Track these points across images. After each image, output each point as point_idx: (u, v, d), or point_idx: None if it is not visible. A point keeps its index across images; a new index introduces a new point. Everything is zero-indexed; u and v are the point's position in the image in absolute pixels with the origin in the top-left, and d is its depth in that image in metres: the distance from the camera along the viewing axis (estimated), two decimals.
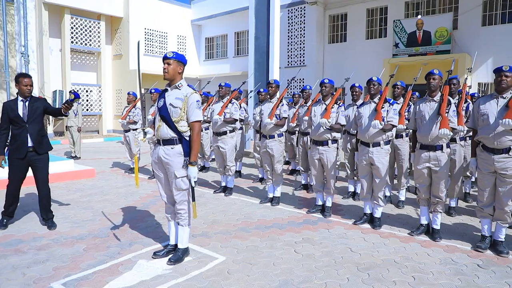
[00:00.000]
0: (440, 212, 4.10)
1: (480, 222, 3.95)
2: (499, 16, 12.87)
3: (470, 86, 10.11)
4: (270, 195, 5.53)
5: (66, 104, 4.06)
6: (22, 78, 4.17)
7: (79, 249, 3.68)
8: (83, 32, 16.89)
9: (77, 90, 16.37)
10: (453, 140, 4.69)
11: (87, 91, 17.41)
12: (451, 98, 4.05)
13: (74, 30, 16.58)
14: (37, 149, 4.21)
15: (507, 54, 11.94)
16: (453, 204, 5.05)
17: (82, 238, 3.97)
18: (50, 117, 12.03)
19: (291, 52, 16.87)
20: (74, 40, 16.59)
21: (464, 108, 4.85)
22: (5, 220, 4.30)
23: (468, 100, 5.20)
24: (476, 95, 6.94)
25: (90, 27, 17.09)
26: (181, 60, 3.32)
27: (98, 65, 17.79)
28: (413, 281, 3.08)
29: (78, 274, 3.13)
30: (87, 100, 17.32)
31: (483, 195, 3.78)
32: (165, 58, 3.28)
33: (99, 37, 17.37)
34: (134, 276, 3.11)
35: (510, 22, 12.58)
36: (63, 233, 4.14)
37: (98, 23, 17.29)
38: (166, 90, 3.37)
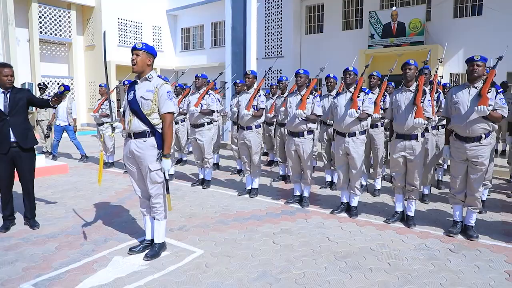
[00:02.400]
0: (414, 200, 4.20)
1: (452, 208, 4.07)
2: (469, 8, 13.20)
3: (442, 76, 10.36)
4: (248, 187, 5.51)
5: (55, 97, 3.87)
6: (1, 68, 3.89)
7: (51, 247, 3.56)
8: (53, 21, 16.24)
9: (48, 83, 15.80)
10: (425, 129, 4.79)
11: (58, 84, 16.82)
12: (426, 88, 4.12)
13: (43, 20, 15.91)
14: (21, 143, 3.96)
15: (477, 45, 12.28)
16: (426, 191, 5.18)
17: (54, 236, 3.84)
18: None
19: (268, 43, 16.81)
20: (43, 30, 15.93)
21: (435, 98, 4.95)
22: (8, 223, 4.07)
23: (439, 90, 5.31)
24: (447, 85, 7.09)
25: (59, 16, 16.44)
26: (151, 52, 3.22)
27: (70, 56, 17.18)
28: (389, 268, 3.15)
29: (49, 273, 3.03)
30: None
31: (456, 182, 3.89)
32: (134, 48, 3.17)
33: (69, 27, 16.75)
34: (109, 273, 3.04)
35: (480, 14, 12.93)
36: (34, 231, 3.99)
37: (69, 13, 16.65)
38: (135, 82, 3.27)
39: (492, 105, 3.59)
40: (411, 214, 4.20)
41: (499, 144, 8.57)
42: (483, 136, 3.68)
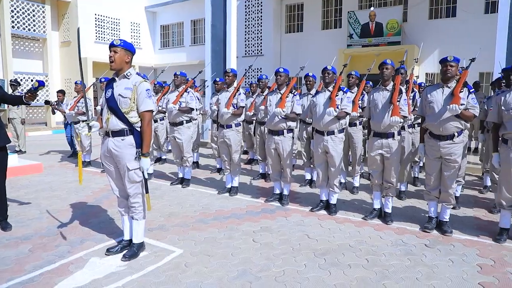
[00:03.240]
0: (392, 196, 4.29)
1: (427, 204, 4.17)
2: (444, 10, 13.58)
3: (418, 76, 10.61)
4: (228, 185, 5.49)
5: (29, 93, 3.72)
6: None
7: (24, 250, 3.44)
8: (26, 16, 15.72)
9: (21, 79, 15.31)
10: (401, 127, 4.89)
11: (32, 80, 16.30)
12: (402, 88, 4.21)
13: (15, 14, 15.38)
14: None
15: (452, 46, 12.65)
16: (403, 188, 5.30)
17: (28, 238, 3.72)
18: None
19: (248, 41, 16.80)
20: (16, 25, 15.40)
21: (411, 97, 5.06)
22: None
23: (415, 89, 5.43)
24: (423, 84, 7.27)
25: (33, 11, 15.93)
26: (129, 48, 3.16)
27: (44, 52, 16.67)
28: (367, 264, 3.20)
29: (22, 276, 2.93)
30: None
31: (430, 179, 3.99)
32: (111, 45, 3.10)
33: (44, 22, 16.25)
34: (86, 275, 2.97)
35: (454, 16, 13.31)
36: (6, 233, 3.85)
37: (43, 7, 16.16)
38: (113, 79, 3.20)
39: (464, 104, 3.70)
40: (389, 211, 4.29)
41: (472, 142, 8.85)
42: (456, 134, 3.80)
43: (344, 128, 4.55)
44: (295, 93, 4.76)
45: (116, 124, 3.12)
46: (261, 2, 16.30)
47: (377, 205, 4.39)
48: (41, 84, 3.76)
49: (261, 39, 16.49)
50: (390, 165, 4.17)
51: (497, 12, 7.63)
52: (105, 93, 3.19)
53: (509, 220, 3.76)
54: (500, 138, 3.78)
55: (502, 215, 3.80)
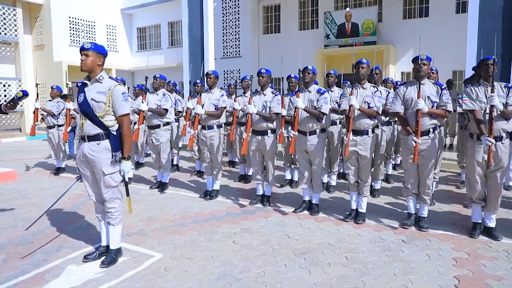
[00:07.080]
0: (366, 196, 4.30)
1: (406, 200, 4.22)
2: (417, 10, 13.91)
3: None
4: (209, 188, 5.44)
5: (11, 103, 3.62)
6: None
7: None
8: None
9: None
10: (376, 125, 4.94)
11: (4, 86, 15.80)
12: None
13: None
14: None
15: (425, 45, 12.90)
16: (377, 186, 5.32)
17: (1, 248, 3.60)
18: None
19: (226, 42, 16.76)
20: None
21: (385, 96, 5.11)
22: None
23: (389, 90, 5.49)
24: (398, 83, 7.41)
25: (3, 14, 15.44)
26: (101, 51, 3.12)
27: (17, 56, 16.17)
28: (346, 261, 3.24)
29: None
30: (5, 96, 15.73)
31: (409, 176, 4.02)
32: (82, 49, 3.06)
33: (15, 25, 15.77)
34: (63, 283, 2.90)
35: (427, 15, 13.66)
36: None
37: (14, 10, 15.68)
38: (85, 84, 3.15)
39: (437, 102, 3.80)
40: (362, 210, 4.29)
41: (447, 138, 9.10)
42: (431, 130, 3.88)
43: (325, 128, 4.56)
44: (276, 93, 4.78)
45: (91, 128, 3.08)
46: (238, 4, 16.30)
47: (354, 206, 4.41)
48: (25, 94, 3.67)
49: (239, 41, 16.48)
50: (364, 163, 4.21)
51: (467, 12, 7.86)
52: (78, 98, 3.15)
53: (480, 214, 3.86)
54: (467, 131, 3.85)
55: (473, 210, 3.91)
